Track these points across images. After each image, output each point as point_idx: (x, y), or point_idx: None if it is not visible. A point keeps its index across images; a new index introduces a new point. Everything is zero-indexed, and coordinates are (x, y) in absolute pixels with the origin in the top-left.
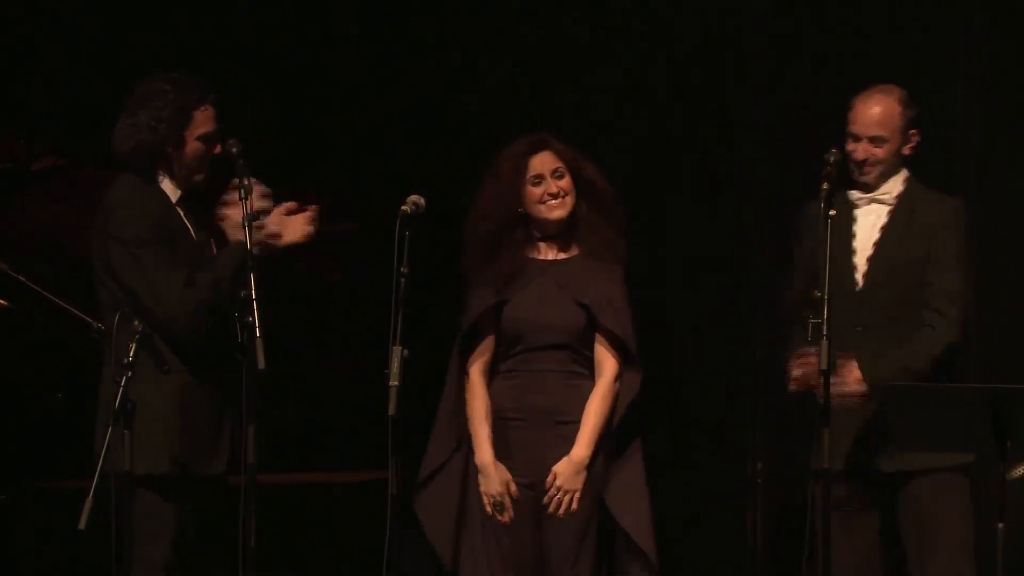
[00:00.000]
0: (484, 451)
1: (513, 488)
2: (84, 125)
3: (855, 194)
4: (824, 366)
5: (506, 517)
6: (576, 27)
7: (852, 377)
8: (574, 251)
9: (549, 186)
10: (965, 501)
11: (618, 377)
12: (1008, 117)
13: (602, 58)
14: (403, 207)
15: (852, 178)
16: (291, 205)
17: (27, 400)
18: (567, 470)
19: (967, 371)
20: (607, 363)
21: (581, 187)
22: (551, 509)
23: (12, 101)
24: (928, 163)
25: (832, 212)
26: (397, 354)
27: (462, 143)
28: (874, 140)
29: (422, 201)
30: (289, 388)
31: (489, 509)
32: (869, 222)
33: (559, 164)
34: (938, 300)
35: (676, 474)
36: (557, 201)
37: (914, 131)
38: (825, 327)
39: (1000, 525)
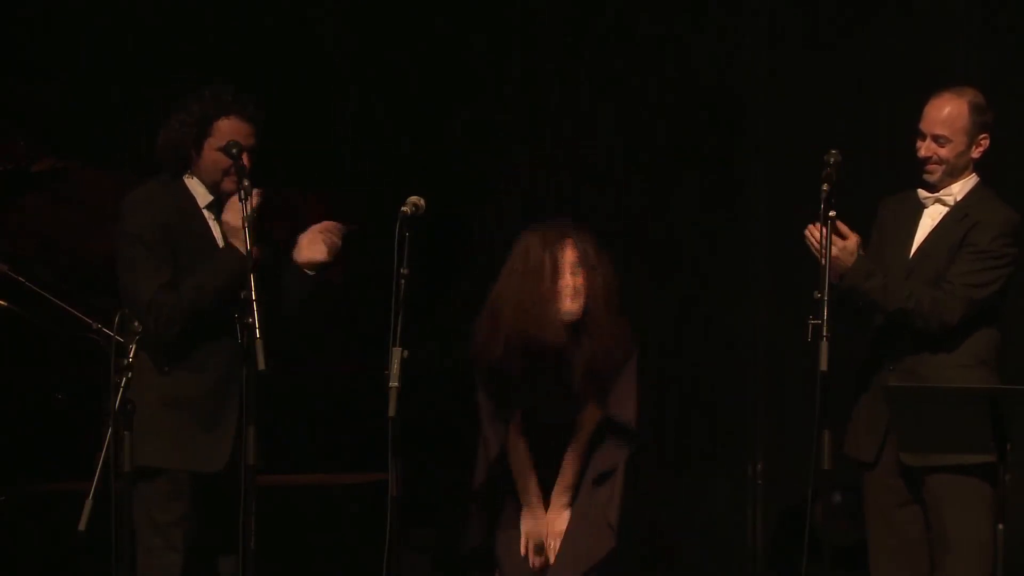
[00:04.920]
0: (531, 492)
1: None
2: (84, 126)
3: (922, 193)
4: (824, 367)
5: (539, 562)
6: (576, 36)
7: (851, 241)
8: (585, 344)
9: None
10: (983, 502)
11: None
12: (1007, 118)
13: (602, 71)
14: (403, 208)
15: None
16: (326, 224)
17: (27, 401)
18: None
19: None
20: (589, 420)
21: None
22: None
23: (12, 101)
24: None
25: (832, 213)
26: (397, 355)
27: (462, 144)
28: (937, 139)
29: (422, 202)
30: (289, 389)
31: (524, 549)
32: (929, 222)
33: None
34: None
35: (676, 474)
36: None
37: (984, 136)
38: (825, 327)
39: (1000, 526)
